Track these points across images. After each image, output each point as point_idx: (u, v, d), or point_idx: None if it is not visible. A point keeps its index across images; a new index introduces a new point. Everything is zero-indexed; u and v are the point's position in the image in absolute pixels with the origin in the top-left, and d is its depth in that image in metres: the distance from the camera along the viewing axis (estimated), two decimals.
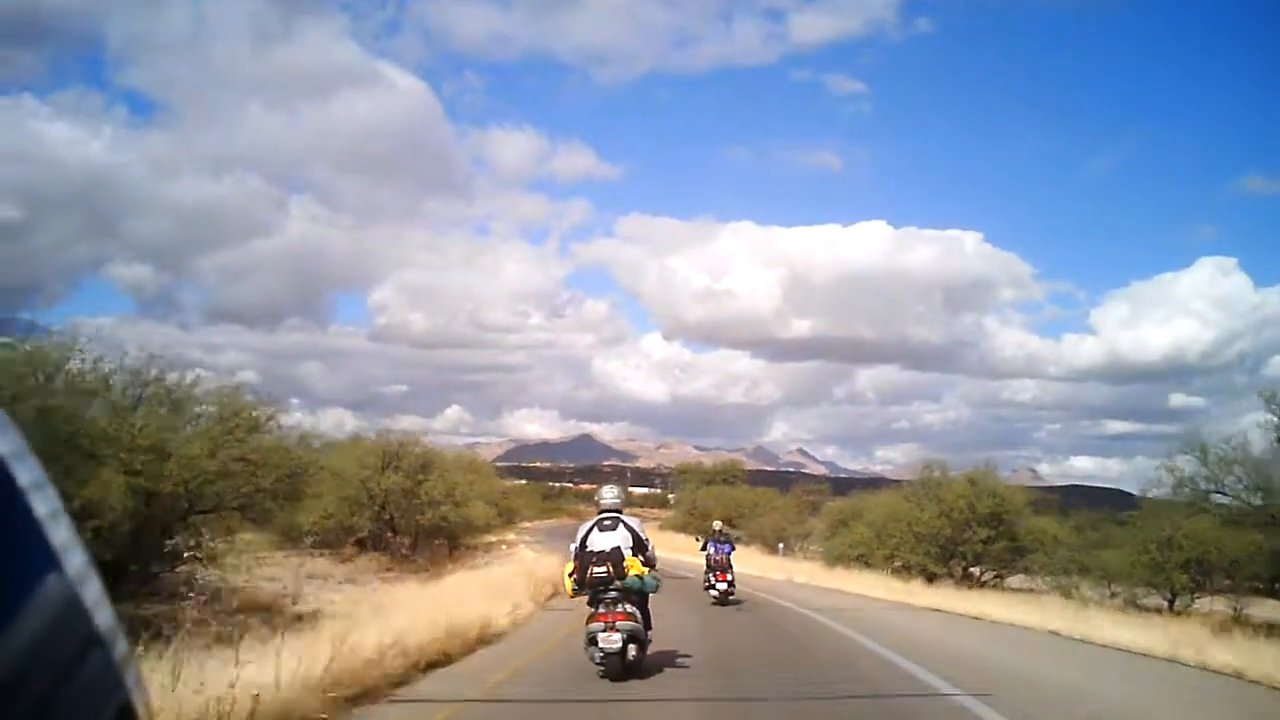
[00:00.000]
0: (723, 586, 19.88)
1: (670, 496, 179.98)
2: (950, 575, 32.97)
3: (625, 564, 10.17)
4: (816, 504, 61.22)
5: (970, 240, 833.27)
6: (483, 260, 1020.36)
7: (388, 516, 33.22)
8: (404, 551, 32.71)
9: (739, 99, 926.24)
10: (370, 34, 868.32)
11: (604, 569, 10.10)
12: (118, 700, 0.94)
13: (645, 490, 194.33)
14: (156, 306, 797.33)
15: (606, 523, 10.61)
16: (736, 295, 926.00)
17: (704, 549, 21.04)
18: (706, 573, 20.74)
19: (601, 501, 11.02)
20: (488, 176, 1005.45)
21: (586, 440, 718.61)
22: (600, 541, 10.42)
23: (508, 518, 64.61)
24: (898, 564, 33.93)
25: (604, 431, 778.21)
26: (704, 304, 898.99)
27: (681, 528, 65.18)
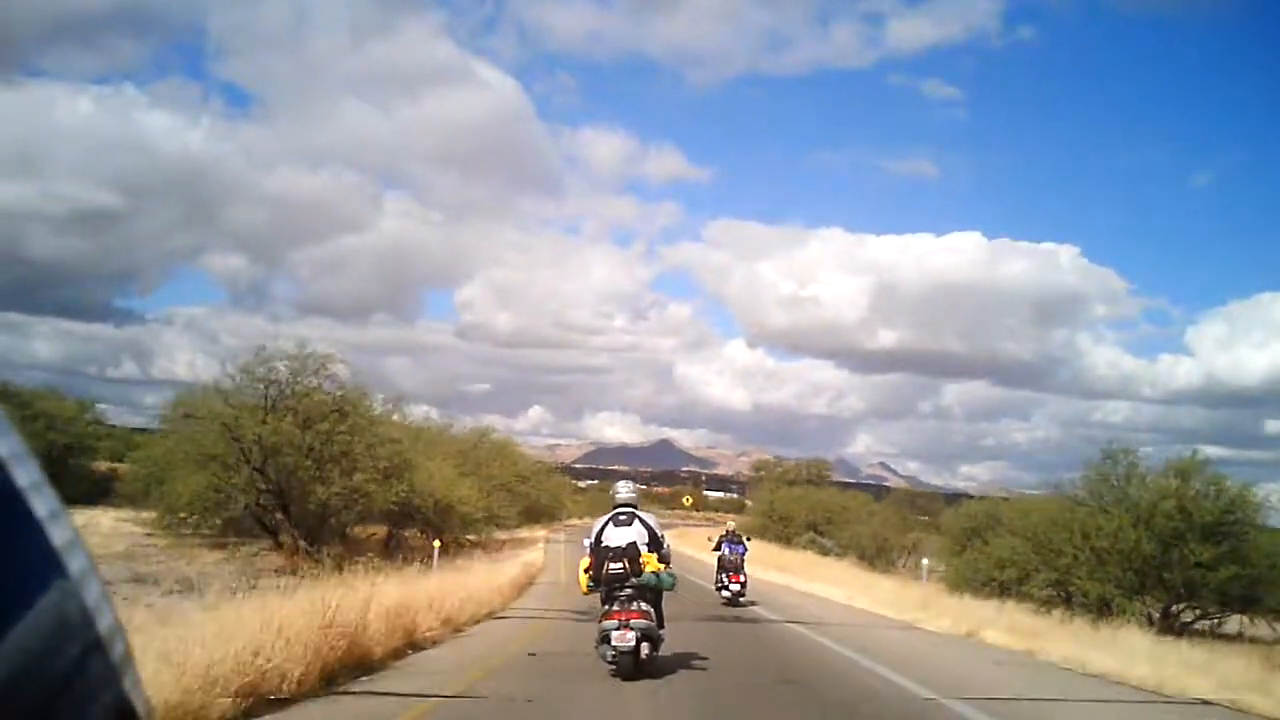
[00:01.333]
0: (735, 588, 19.64)
1: (747, 501, 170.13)
2: (1139, 613, 22.14)
3: (641, 560, 9.98)
4: (927, 510, 50.12)
5: (1066, 254, 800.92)
6: (570, 261, 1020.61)
7: (272, 487, 23.40)
8: (302, 544, 22.90)
9: (832, 103, 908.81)
10: (466, 31, 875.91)
11: (620, 565, 9.93)
12: (118, 701, 0.93)
13: (721, 494, 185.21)
14: (249, 297, 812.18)
15: (622, 518, 10.43)
16: (822, 303, 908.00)
17: (717, 549, 20.71)
18: (719, 573, 20.35)
19: (616, 496, 10.91)
20: (579, 177, 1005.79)
21: (666, 446, 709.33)
22: (616, 537, 10.24)
23: (548, 513, 55.59)
24: (1046, 592, 23.37)
25: (684, 438, 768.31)
26: (789, 311, 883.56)
27: (758, 532, 54.91)
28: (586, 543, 10.59)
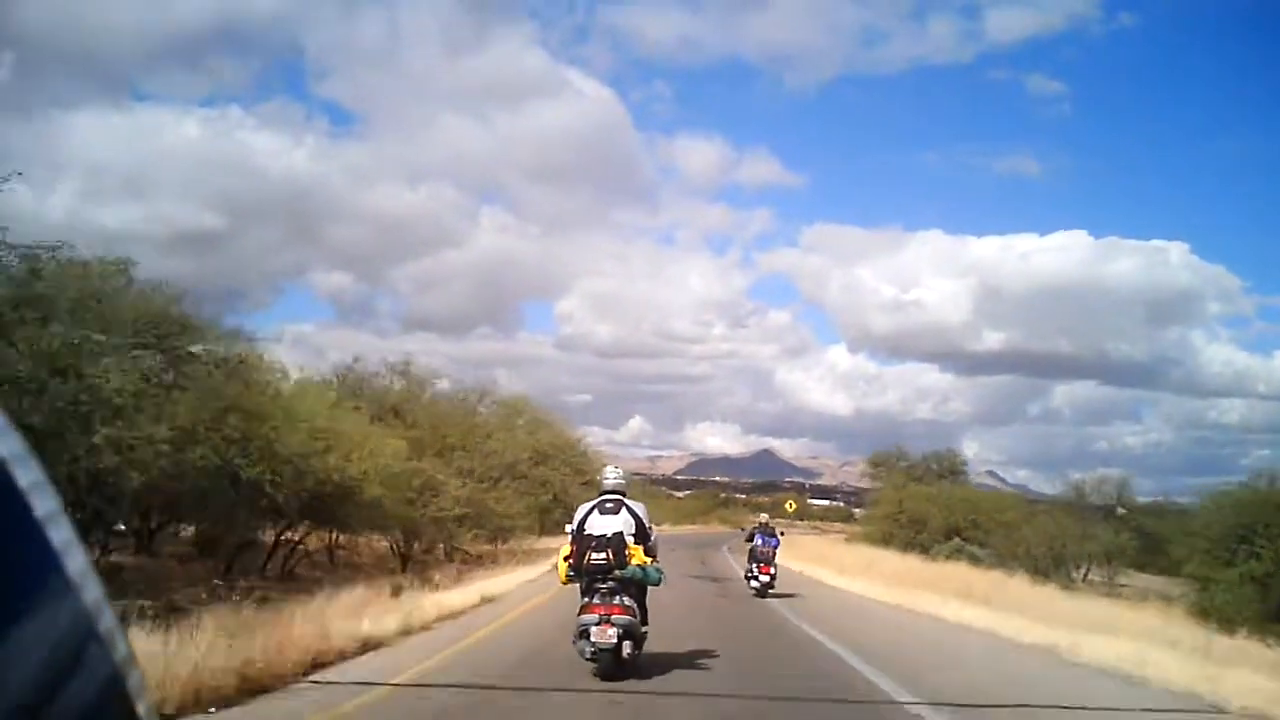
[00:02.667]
0: (764, 579, 19.53)
1: (856, 511, 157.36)
2: None
3: (626, 552, 9.23)
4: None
5: (1176, 251, 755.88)
6: (667, 270, 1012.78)
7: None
8: None
9: (931, 101, 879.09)
10: (558, 41, 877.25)
11: (603, 556, 9.18)
12: (119, 700, 0.93)
13: (826, 503, 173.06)
14: (354, 313, 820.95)
15: (608, 505, 9.65)
16: (925, 306, 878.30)
17: (749, 540, 20.58)
18: (749, 564, 20.21)
19: (603, 482, 10.09)
20: (674, 185, 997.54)
21: (768, 455, 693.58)
22: (600, 525, 9.48)
23: None
24: None
25: (785, 447, 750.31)
26: (890, 315, 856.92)
27: (883, 540, 43.38)
28: (570, 529, 9.76)
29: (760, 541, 19.98)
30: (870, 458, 59.54)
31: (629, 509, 9.64)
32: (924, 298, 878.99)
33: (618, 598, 9.16)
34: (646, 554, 9.48)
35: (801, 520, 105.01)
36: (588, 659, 9.03)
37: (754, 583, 19.63)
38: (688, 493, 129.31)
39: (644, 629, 9.49)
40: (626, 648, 9.01)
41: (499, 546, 30.54)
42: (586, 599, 9.29)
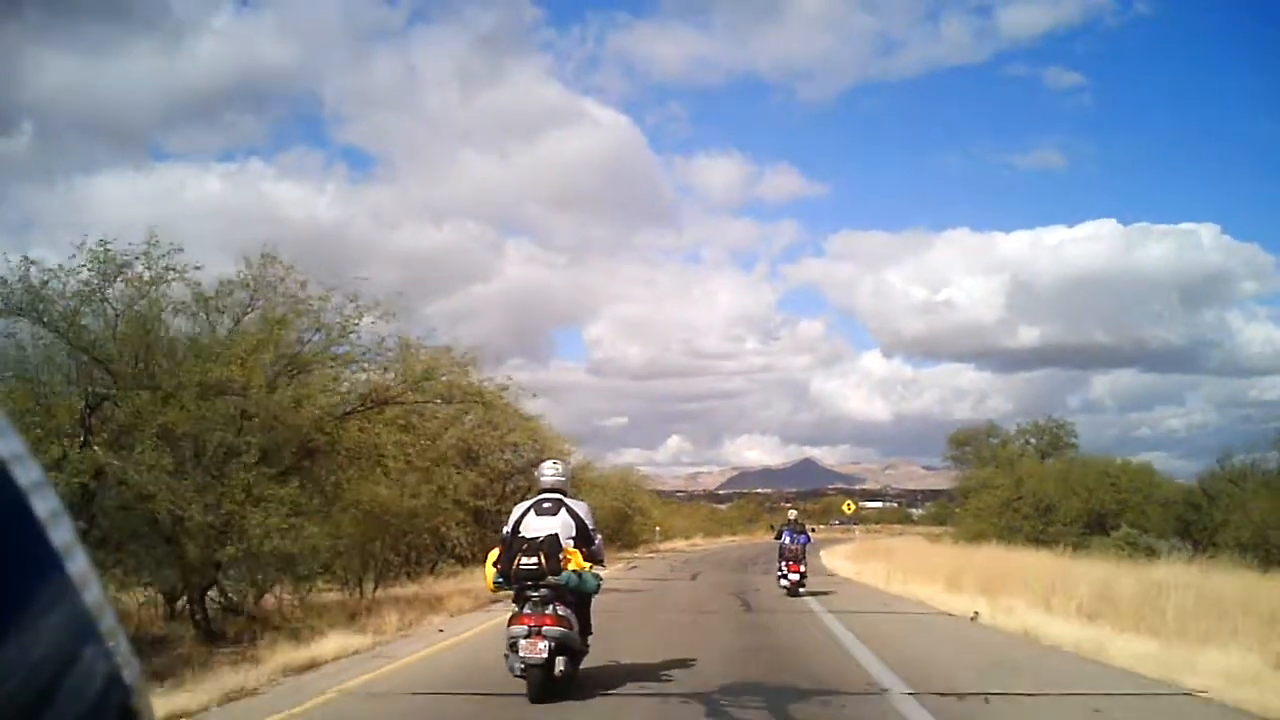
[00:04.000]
0: (794, 577, 18.92)
1: (913, 511, 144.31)
2: None
3: (562, 555, 8.12)
4: None
5: (1207, 233, 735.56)
6: (695, 288, 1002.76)
7: None
8: None
9: (950, 102, 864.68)
10: (572, 71, 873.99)
11: (534, 560, 8.05)
12: (119, 700, 0.92)
13: (879, 505, 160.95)
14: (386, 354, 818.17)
15: (546, 505, 8.53)
16: (957, 306, 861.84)
17: (778, 538, 19.97)
18: (779, 562, 19.52)
19: (540, 479, 8.91)
20: (696, 204, 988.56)
21: (809, 465, 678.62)
22: (536, 526, 8.37)
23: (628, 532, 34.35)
24: None
25: (826, 455, 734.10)
26: (923, 317, 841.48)
27: (1003, 535, 31.19)
28: (505, 532, 8.58)
29: (789, 539, 19.39)
30: (954, 436, 47.49)
31: (569, 509, 8.47)
32: (955, 297, 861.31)
33: (550, 607, 8.00)
34: (588, 559, 8.35)
35: (857, 525, 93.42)
36: (517, 676, 7.93)
37: (783, 581, 19.13)
38: (727, 506, 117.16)
39: (584, 643, 8.42)
40: (560, 664, 7.92)
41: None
42: (517, 608, 8.16)
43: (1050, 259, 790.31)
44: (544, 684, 7.85)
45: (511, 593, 8.32)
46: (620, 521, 35.95)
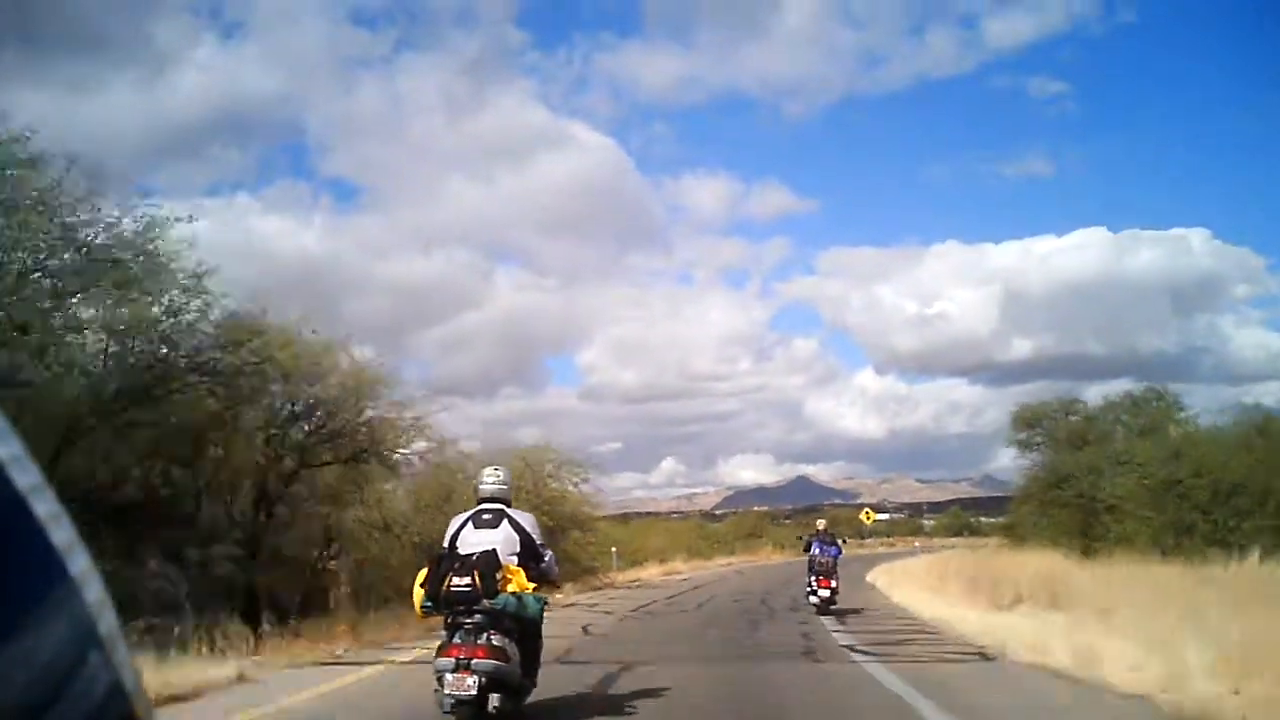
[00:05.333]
0: (825, 594, 17.15)
1: (925, 522, 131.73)
2: None
3: (501, 575, 6.88)
4: None
5: (1197, 238, 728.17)
6: (686, 310, 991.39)
7: None
8: None
9: (936, 114, 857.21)
10: (558, 95, 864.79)
11: (467, 580, 6.82)
12: (118, 702, 0.90)
13: (886, 516, 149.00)
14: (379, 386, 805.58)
15: (485, 517, 7.36)
16: (949, 319, 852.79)
17: (806, 550, 18.28)
18: (809, 576, 17.86)
19: (480, 488, 7.68)
20: (685, 224, 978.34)
21: (804, 482, 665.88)
22: (473, 541, 7.20)
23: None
24: None
25: (820, 472, 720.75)
26: (916, 332, 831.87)
27: (1166, 541, 19.03)
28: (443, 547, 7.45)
29: (819, 550, 17.62)
30: (1019, 414, 35.11)
31: (512, 521, 7.34)
32: (947, 310, 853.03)
33: (484, 636, 6.76)
34: (535, 578, 7.18)
35: (865, 539, 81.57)
36: (446, 713, 6.77)
37: (813, 598, 17.41)
38: (724, 523, 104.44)
39: (528, 679, 7.22)
40: (494, 700, 6.70)
41: None
42: (446, 637, 6.96)
43: (1041, 269, 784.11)
44: None
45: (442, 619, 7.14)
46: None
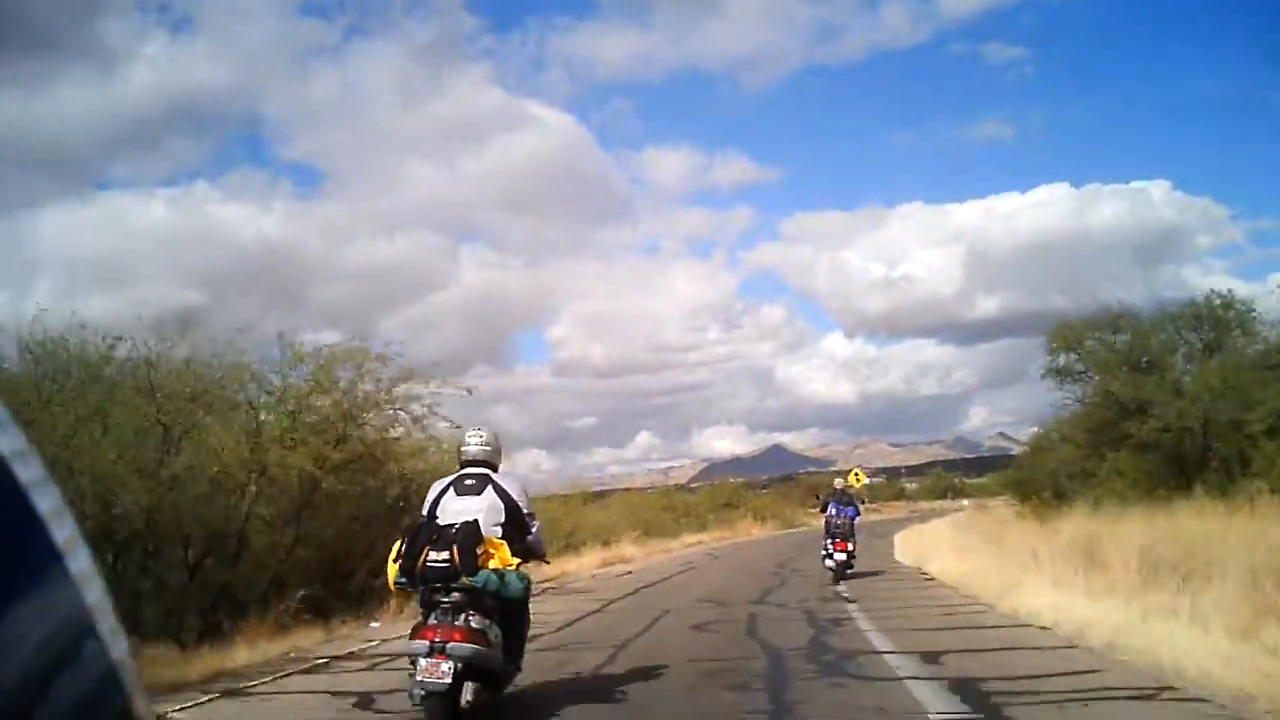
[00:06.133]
0: (841, 557, 16.13)
1: (907, 484, 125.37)
2: None
3: (481, 549, 6.15)
4: None
5: (1158, 190, 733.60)
6: (654, 282, 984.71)
7: None
8: None
9: (896, 83, 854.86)
10: (514, 76, 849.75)
11: (444, 556, 6.08)
12: (118, 700, 0.90)
13: (869, 481, 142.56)
14: (349, 372, 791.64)
15: (469, 483, 6.63)
16: (916, 280, 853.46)
17: (823, 511, 17.15)
18: (825, 539, 16.79)
19: (464, 451, 6.96)
20: (649, 197, 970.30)
21: (778, 450, 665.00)
22: (454, 509, 6.47)
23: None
24: None
25: (794, 440, 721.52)
26: (883, 294, 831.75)
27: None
28: (421, 517, 6.67)
29: (835, 511, 16.67)
30: (1058, 331, 27.45)
31: (497, 487, 6.57)
32: (914, 271, 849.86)
33: (462, 617, 6.04)
34: (521, 553, 6.43)
35: (865, 502, 73.94)
36: (415, 705, 6.00)
37: (829, 561, 16.44)
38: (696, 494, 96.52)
39: (512, 665, 6.47)
40: (468, 692, 5.91)
41: None
42: (421, 617, 6.27)
43: (1005, 227, 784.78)
44: (445, 716, 5.88)
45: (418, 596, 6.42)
46: (363, 521, 14.78)
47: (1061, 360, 26.88)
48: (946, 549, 19.03)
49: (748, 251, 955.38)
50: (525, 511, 6.65)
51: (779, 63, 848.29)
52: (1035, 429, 33.14)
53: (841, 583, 15.42)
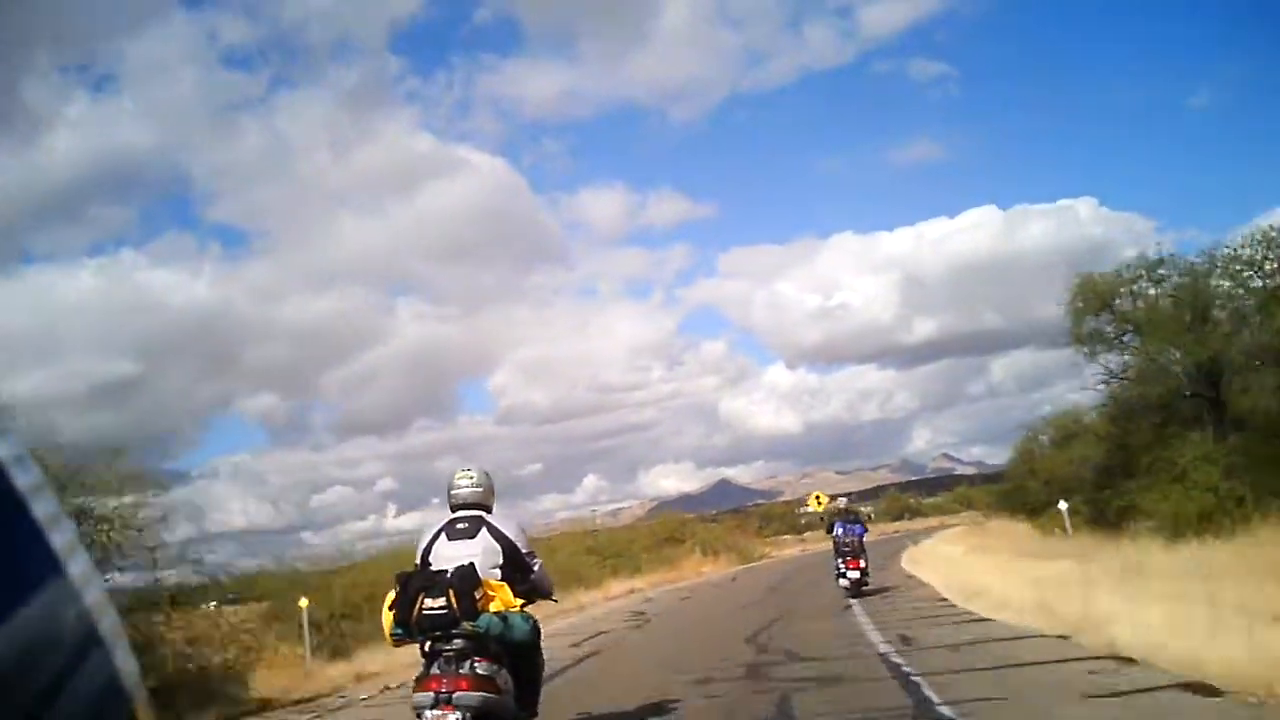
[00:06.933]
0: (854, 575, 16.31)
1: (867, 510, 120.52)
2: None
3: (480, 593, 5.66)
4: None
5: (1084, 207, 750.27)
6: (593, 324, 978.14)
7: None
8: None
9: (822, 107, 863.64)
10: (442, 119, 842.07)
11: (441, 602, 5.61)
12: (119, 704, 0.90)
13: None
14: (288, 432, 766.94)
15: (461, 526, 6.13)
16: (852, 309, 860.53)
17: (830, 531, 17.51)
18: (835, 559, 16.91)
19: (454, 492, 6.35)
20: (585, 239, 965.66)
21: (725, 485, 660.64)
22: (448, 555, 5.95)
23: None
24: None
25: (742, 474, 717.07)
26: (820, 324, 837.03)
27: None
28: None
29: (843, 531, 16.80)
30: (1080, 286, 20.72)
31: (491, 529, 6.07)
32: (850, 300, 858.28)
33: (468, 665, 5.58)
34: (524, 594, 6.01)
35: (804, 529, 68.86)
36: None
37: (843, 580, 16.54)
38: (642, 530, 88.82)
39: (528, 711, 5.98)
40: None
41: None
42: (424, 668, 5.77)
43: (937, 251, 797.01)
44: None
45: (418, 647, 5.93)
46: None
47: (1090, 325, 20.11)
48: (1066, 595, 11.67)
49: (686, 289, 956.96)
50: (524, 551, 6.14)
51: (707, 93, 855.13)
52: (1024, 432, 26.90)
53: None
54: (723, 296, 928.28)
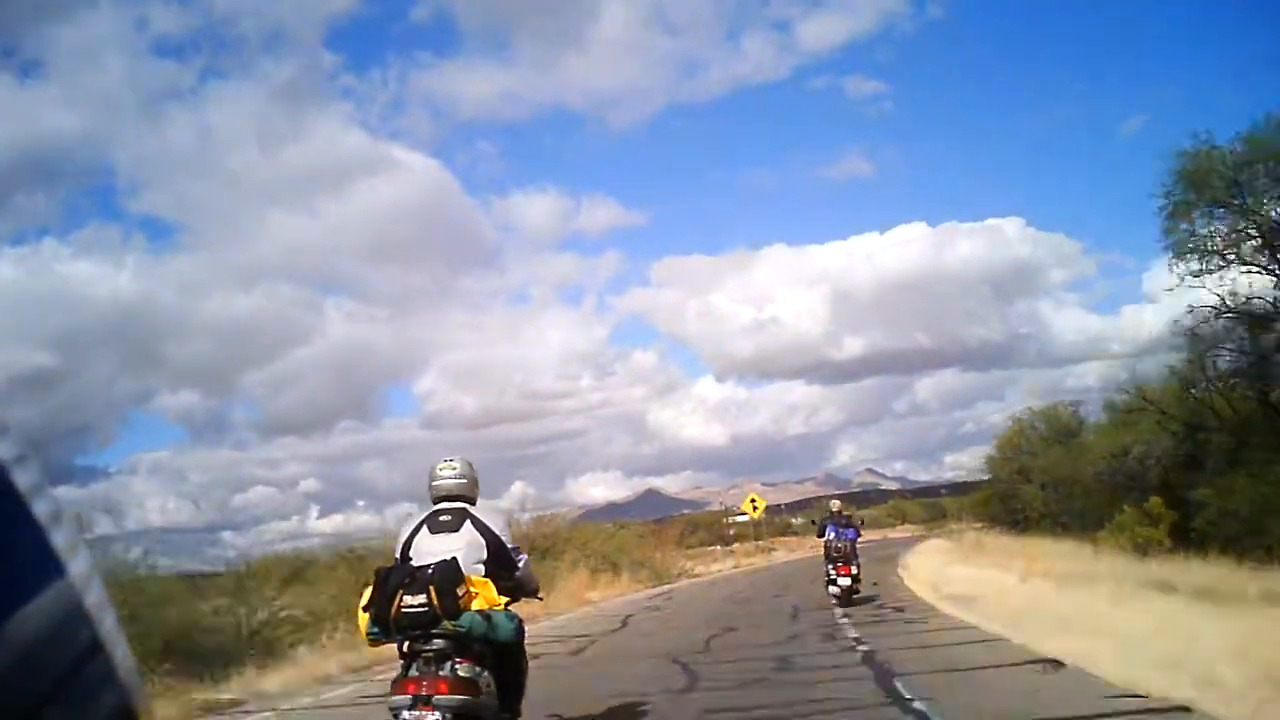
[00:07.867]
0: (845, 582, 15.83)
1: (795, 520, 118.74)
2: None
3: (463, 590, 5.37)
4: None
5: (1012, 227, 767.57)
6: (524, 330, 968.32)
7: None
8: None
9: (757, 120, 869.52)
10: (376, 117, 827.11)
11: (422, 599, 5.33)
12: (119, 703, 0.90)
13: (744, 518, 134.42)
14: (208, 431, 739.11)
15: (444, 519, 5.85)
16: (782, 323, 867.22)
17: (821, 534, 16.78)
18: (826, 565, 16.42)
19: (436, 483, 6.07)
20: (517, 243, 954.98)
21: (653, 495, 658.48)
22: (430, 549, 5.67)
23: None
24: None
25: (669, 484, 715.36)
26: (751, 337, 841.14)
27: None
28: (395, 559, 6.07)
29: (834, 534, 16.12)
30: (1183, 173, 15.00)
31: (476, 522, 5.76)
32: (780, 314, 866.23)
33: (448, 666, 5.32)
34: (508, 591, 5.74)
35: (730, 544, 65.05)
36: None
37: (833, 587, 15.98)
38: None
39: (509, 712, 5.67)
40: None
41: None
42: (404, 668, 5.50)
43: (866, 267, 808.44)
44: None
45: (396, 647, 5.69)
46: None
47: (1195, 230, 14.06)
48: None
49: (618, 297, 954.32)
50: (510, 546, 5.90)
51: (644, 100, 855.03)
52: (1009, 420, 22.43)
53: None
54: (654, 306, 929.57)
